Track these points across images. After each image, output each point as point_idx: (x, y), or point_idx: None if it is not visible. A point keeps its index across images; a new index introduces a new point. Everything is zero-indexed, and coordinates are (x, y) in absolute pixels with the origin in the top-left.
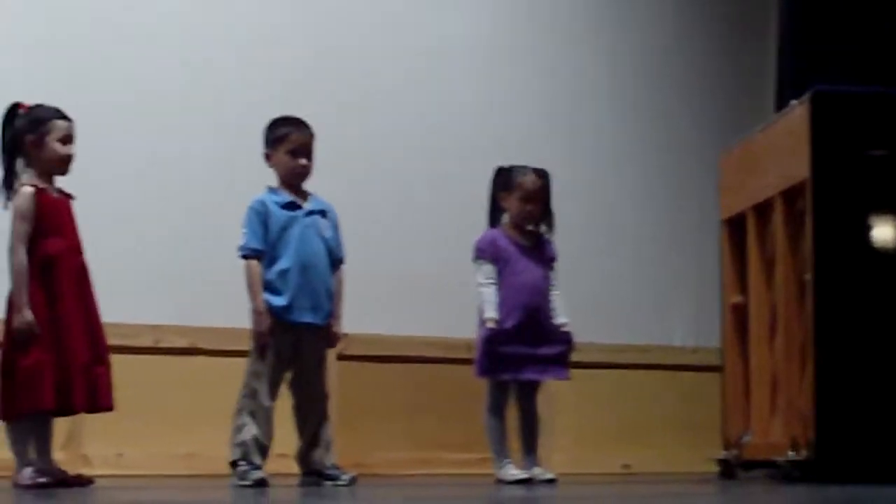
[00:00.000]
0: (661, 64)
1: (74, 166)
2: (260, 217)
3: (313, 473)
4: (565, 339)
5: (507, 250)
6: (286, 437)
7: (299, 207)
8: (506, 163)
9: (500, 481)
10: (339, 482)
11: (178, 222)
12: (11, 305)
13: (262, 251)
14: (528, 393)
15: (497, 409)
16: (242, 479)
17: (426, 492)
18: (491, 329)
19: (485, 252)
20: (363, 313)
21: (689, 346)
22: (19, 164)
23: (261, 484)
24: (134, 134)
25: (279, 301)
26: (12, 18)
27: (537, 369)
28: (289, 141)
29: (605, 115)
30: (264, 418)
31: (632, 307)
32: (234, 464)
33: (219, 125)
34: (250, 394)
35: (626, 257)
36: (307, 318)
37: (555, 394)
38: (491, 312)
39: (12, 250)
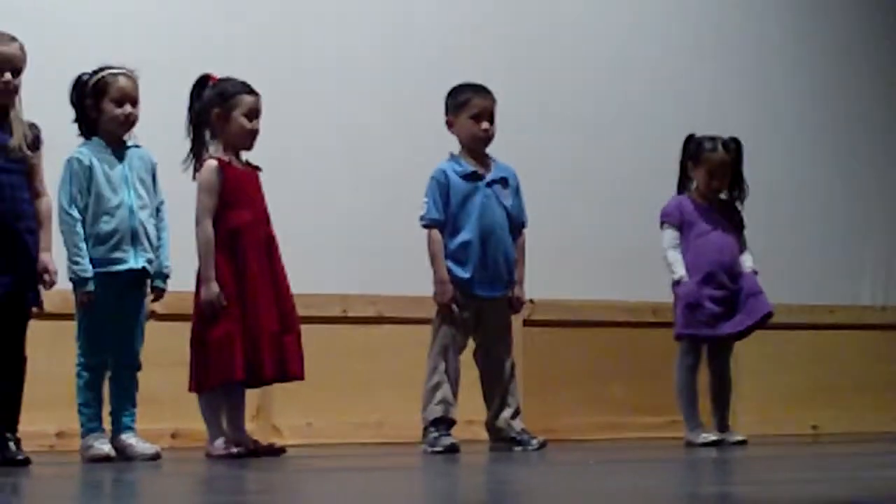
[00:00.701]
0: (846, 21)
1: (263, 139)
2: (441, 187)
3: (502, 439)
4: (759, 297)
5: (693, 215)
6: (475, 404)
7: (481, 178)
8: (699, 129)
9: (691, 444)
10: (529, 447)
11: (365, 193)
12: (200, 279)
13: (442, 221)
14: (721, 354)
15: (689, 372)
16: (433, 445)
17: (616, 455)
18: (684, 285)
19: (671, 216)
20: (549, 279)
21: (878, 306)
22: (207, 135)
23: (452, 450)
24: (321, 107)
25: (462, 273)
26: None
27: (734, 323)
28: (471, 106)
29: (794, 74)
30: (453, 379)
31: (820, 267)
32: (436, 421)
33: (402, 96)
34: (441, 352)
35: (814, 218)
36: (487, 291)
37: (743, 355)
38: (680, 271)
39: (198, 223)
